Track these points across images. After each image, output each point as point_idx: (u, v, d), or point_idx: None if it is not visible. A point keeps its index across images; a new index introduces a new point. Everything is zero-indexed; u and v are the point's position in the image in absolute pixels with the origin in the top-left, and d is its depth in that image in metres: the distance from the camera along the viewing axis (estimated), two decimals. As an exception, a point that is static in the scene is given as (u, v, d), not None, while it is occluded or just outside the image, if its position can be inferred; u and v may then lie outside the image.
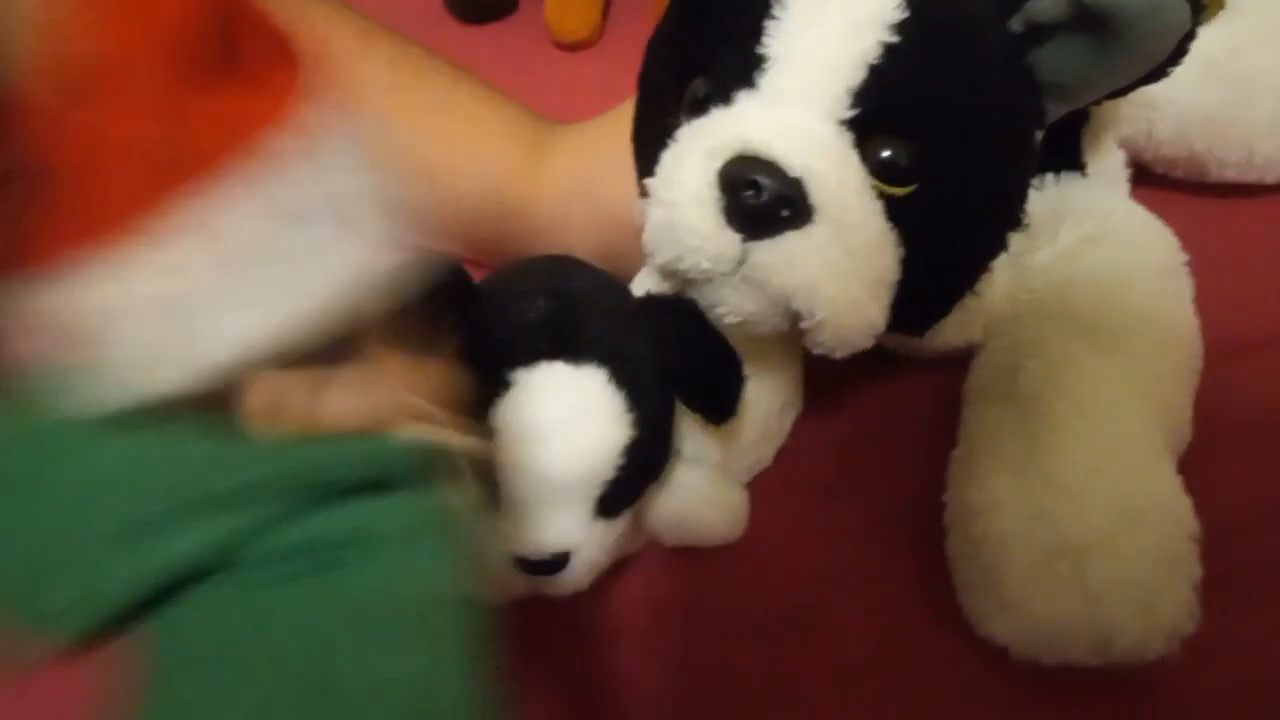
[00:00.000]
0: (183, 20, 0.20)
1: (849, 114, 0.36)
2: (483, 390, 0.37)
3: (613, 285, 0.41)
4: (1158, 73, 0.40)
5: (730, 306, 0.38)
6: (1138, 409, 0.42)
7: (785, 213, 0.35)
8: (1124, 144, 0.56)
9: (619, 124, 0.45)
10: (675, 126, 0.39)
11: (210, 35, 0.20)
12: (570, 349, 0.38)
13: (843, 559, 0.47)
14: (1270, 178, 0.58)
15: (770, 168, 0.35)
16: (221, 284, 0.21)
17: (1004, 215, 0.41)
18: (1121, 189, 0.54)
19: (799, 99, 0.36)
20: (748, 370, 0.41)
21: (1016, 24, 0.39)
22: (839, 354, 0.39)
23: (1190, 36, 0.39)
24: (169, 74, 0.20)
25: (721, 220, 0.36)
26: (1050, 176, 0.49)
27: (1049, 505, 0.39)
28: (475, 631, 0.25)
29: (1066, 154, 0.50)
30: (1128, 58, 0.38)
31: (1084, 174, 0.51)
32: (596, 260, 0.49)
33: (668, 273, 0.39)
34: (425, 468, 0.25)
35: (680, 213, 0.36)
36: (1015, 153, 0.40)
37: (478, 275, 0.42)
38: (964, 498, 0.42)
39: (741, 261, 0.36)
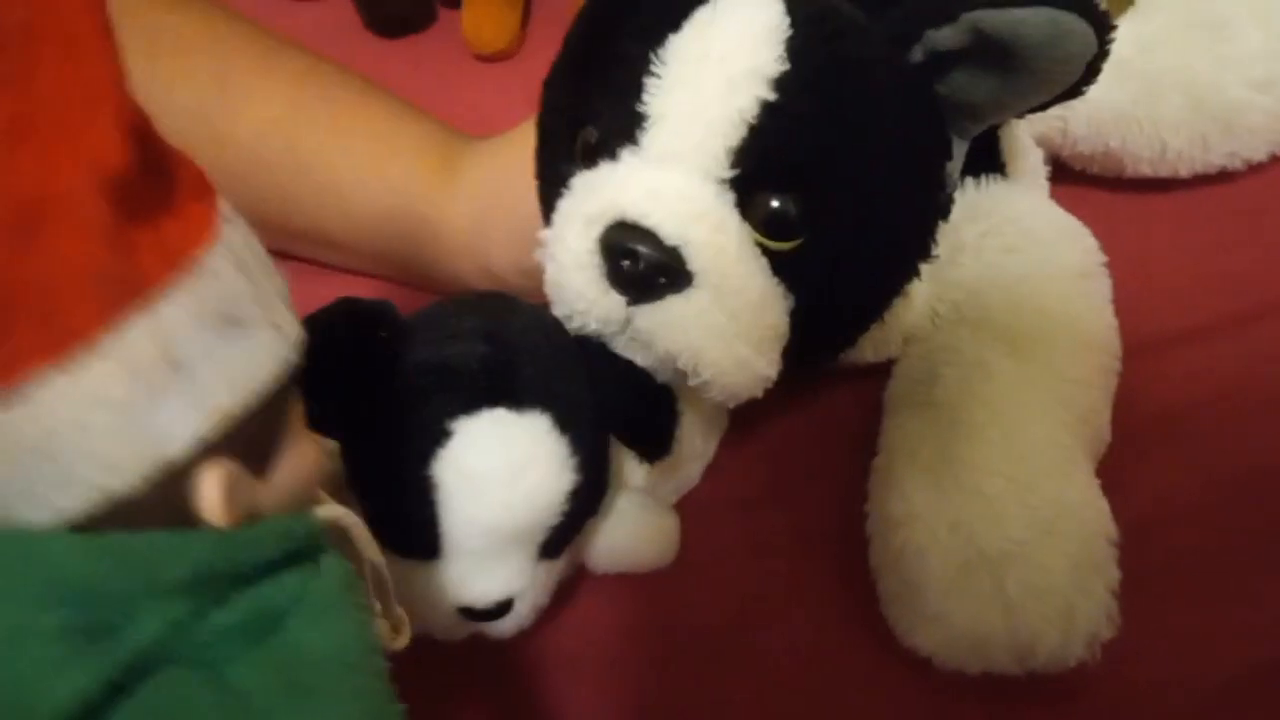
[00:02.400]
0: (118, 162, 0.23)
1: (729, 174, 0.36)
2: (419, 440, 0.36)
3: (548, 323, 0.40)
4: (1073, 92, 0.39)
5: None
6: (1055, 415, 0.43)
7: (664, 280, 0.35)
8: (1040, 141, 0.55)
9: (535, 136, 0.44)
10: (570, 174, 0.38)
11: (140, 173, 0.23)
12: (512, 395, 0.36)
13: (769, 573, 0.47)
14: (1183, 171, 0.58)
15: (647, 236, 0.35)
16: (171, 385, 0.23)
17: (908, 253, 0.40)
18: (1041, 189, 0.54)
19: (678, 159, 0.36)
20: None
21: (917, 54, 0.37)
22: (731, 405, 0.39)
23: (1102, 57, 0.38)
24: (111, 207, 0.22)
25: (605, 285, 0.36)
26: (970, 181, 0.48)
27: (966, 516, 0.40)
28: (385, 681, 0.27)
29: (986, 157, 0.50)
30: (1035, 84, 0.37)
31: (1004, 175, 0.51)
32: (517, 274, 0.49)
33: (565, 323, 0.39)
34: (326, 536, 0.28)
35: (567, 275, 0.37)
36: (918, 189, 0.39)
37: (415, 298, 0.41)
38: (884, 509, 0.43)
39: (628, 322, 0.37)
